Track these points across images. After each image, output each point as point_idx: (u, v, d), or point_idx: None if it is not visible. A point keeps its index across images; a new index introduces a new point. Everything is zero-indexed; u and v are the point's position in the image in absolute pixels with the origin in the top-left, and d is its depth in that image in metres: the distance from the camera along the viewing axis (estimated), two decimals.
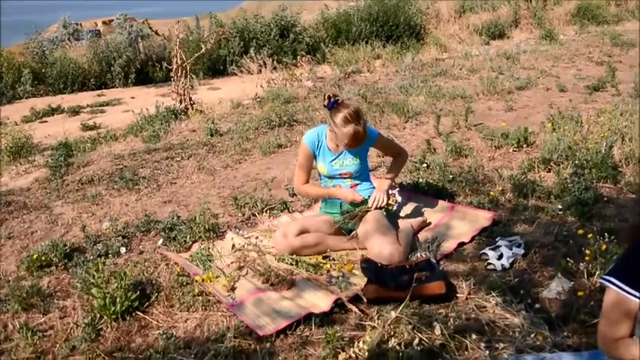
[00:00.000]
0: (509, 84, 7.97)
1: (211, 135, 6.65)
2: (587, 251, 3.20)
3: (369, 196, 3.77)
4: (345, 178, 3.80)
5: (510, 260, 3.34)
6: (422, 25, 17.05)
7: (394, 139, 4.83)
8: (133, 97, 12.00)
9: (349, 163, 3.77)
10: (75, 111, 10.89)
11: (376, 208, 3.68)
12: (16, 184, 5.75)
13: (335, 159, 3.78)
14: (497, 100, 7.32)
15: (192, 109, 8.35)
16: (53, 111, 10.95)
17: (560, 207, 3.93)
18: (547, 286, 3.08)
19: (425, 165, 4.88)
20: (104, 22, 33.32)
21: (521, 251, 3.42)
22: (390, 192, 3.78)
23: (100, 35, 22.87)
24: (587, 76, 8.41)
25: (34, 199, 5.08)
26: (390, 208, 3.78)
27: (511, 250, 3.40)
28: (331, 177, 3.81)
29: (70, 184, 5.43)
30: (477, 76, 8.91)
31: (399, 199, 3.84)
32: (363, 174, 3.86)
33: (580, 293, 2.90)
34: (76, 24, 24.73)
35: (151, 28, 9.88)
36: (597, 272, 3.07)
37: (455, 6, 18.98)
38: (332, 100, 3.61)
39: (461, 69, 9.71)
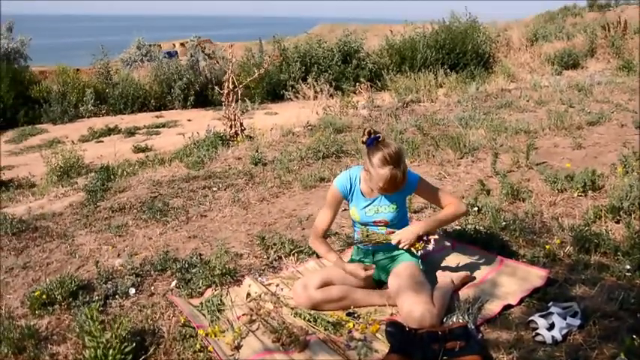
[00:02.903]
0: (579, 118, 7.36)
1: (255, 164, 6.37)
2: None
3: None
4: (379, 225, 3.38)
5: (563, 332, 2.83)
6: (491, 53, 16.48)
7: (443, 189, 4.02)
8: (189, 120, 11.99)
9: (385, 210, 3.35)
10: (131, 132, 10.96)
11: (397, 247, 3.24)
12: (51, 207, 5.62)
13: (369, 205, 3.37)
14: (565, 136, 6.74)
15: (242, 134, 8.13)
16: (110, 131, 11.06)
17: (628, 267, 3.38)
18: None
19: (476, 209, 4.40)
20: (182, 44, 34.27)
21: (577, 322, 2.90)
22: (426, 238, 3.32)
23: (177, 56, 23.38)
24: None
25: (61, 226, 4.91)
26: (416, 251, 3.32)
27: (565, 319, 2.89)
28: (365, 224, 3.41)
29: (101, 211, 5.25)
30: (545, 108, 8.33)
31: (431, 247, 3.34)
32: (400, 222, 3.42)
33: None
34: (150, 45, 25.27)
35: (203, 51, 9.80)
36: None
37: (527, 34, 18.33)
38: (372, 136, 3.20)
39: (528, 101, 9.13)
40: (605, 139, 6.57)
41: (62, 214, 5.32)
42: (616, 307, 3.02)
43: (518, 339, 2.86)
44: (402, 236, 3.22)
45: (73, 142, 9.95)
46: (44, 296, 3.42)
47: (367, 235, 3.30)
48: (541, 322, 2.89)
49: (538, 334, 2.85)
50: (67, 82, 14.55)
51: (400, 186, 3.16)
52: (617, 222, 4.09)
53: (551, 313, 2.93)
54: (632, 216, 4.08)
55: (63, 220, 5.10)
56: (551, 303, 3.05)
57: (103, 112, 13.94)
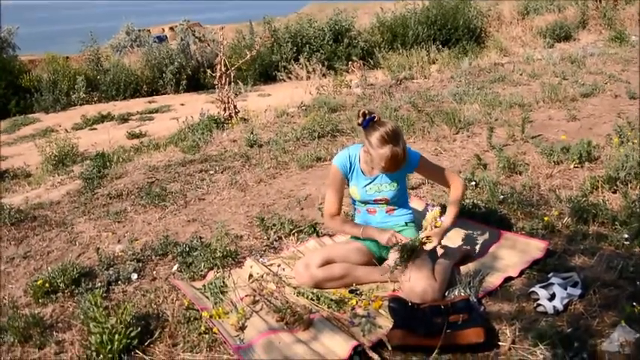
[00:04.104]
0: (573, 90, 7.36)
1: (250, 146, 6.36)
2: None
3: (406, 223, 3.38)
4: (380, 203, 3.39)
5: (564, 302, 2.86)
6: (482, 27, 16.41)
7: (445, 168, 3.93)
8: (182, 104, 11.93)
9: (385, 188, 3.35)
10: (124, 118, 10.91)
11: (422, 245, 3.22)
12: (49, 196, 5.60)
13: (369, 183, 3.37)
14: (559, 108, 6.74)
15: (236, 117, 8.11)
16: (103, 118, 11.01)
17: (626, 236, 3.41)
18: (607, 336, 2.58)
19: (473, 183, 4.42)
20: (171, 28, 33.97)
21: (578, 291, 2.92)
22: (432, 208, 3.35)
23: (167, 41, 23.24)
24: None
25: (60, 215, 4.90)
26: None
27: (565, 289, 2.92)
28: (365, 202, 3.42)
29: (99, 197, 5.25)
30: (539, 81, 8.32)
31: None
32: (400, 199, 3.43)
33: None
34: (139, 30, 25.03)
35: (194, 34, 9.72)
36: None
37: (518, 7, 18.23)
38: (367, 117, 3.19)
39: (521, 74, 9.11)
40: (599, 110, 6.58)
41: (60, 202, 5.30)
42: (615, 276, 3.04)
43: (520, 310, 2.88)
44: (438, 240, 3.21)
45: (66, 130, 9.89)
46: (47, 284, 3.43)
47: (405, 249, 3.13)
48: (542, 293, 2.92)
49: (539, 304, 2.88)
50: (57, 71, 14.43)
51: (402, 164, 3.16)
52: (614, 192, 4.12)
53: (552, 284, 2.96)
54: (629, 185, 4.10)
55: (61, 209, 5.08)
56: (551, 274, 3.08)
57: (95, 99, 13.85)
